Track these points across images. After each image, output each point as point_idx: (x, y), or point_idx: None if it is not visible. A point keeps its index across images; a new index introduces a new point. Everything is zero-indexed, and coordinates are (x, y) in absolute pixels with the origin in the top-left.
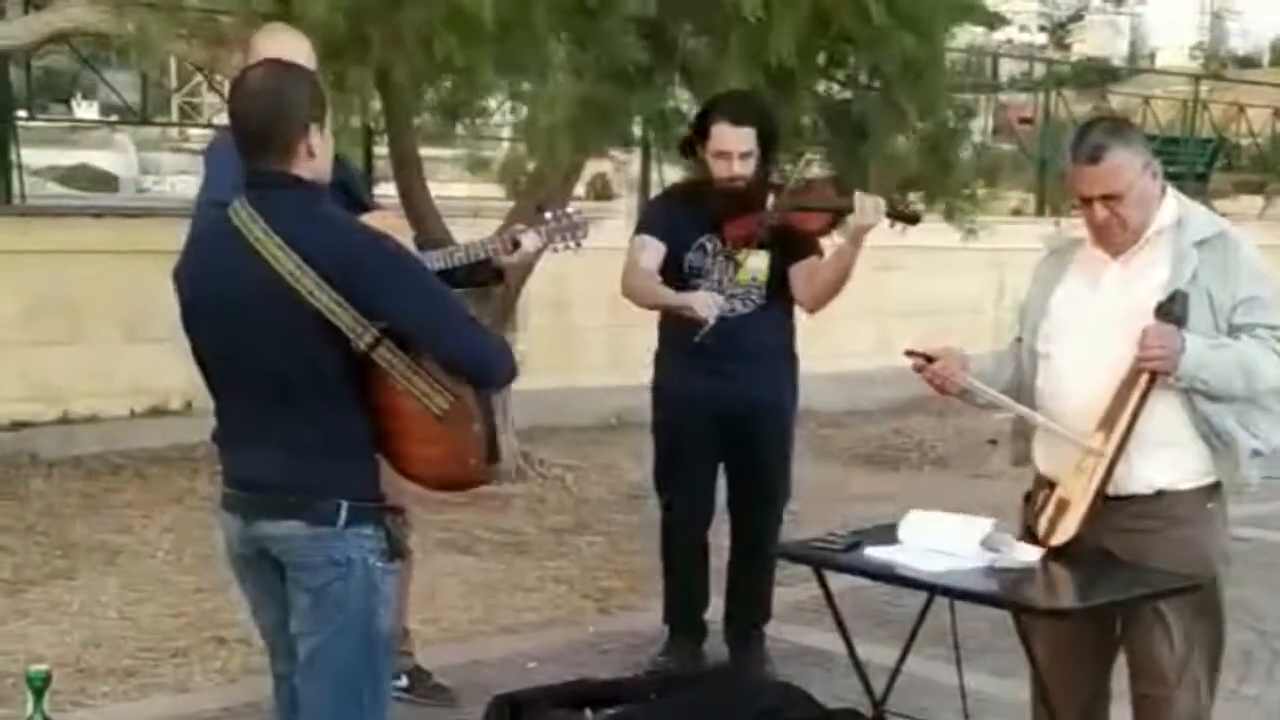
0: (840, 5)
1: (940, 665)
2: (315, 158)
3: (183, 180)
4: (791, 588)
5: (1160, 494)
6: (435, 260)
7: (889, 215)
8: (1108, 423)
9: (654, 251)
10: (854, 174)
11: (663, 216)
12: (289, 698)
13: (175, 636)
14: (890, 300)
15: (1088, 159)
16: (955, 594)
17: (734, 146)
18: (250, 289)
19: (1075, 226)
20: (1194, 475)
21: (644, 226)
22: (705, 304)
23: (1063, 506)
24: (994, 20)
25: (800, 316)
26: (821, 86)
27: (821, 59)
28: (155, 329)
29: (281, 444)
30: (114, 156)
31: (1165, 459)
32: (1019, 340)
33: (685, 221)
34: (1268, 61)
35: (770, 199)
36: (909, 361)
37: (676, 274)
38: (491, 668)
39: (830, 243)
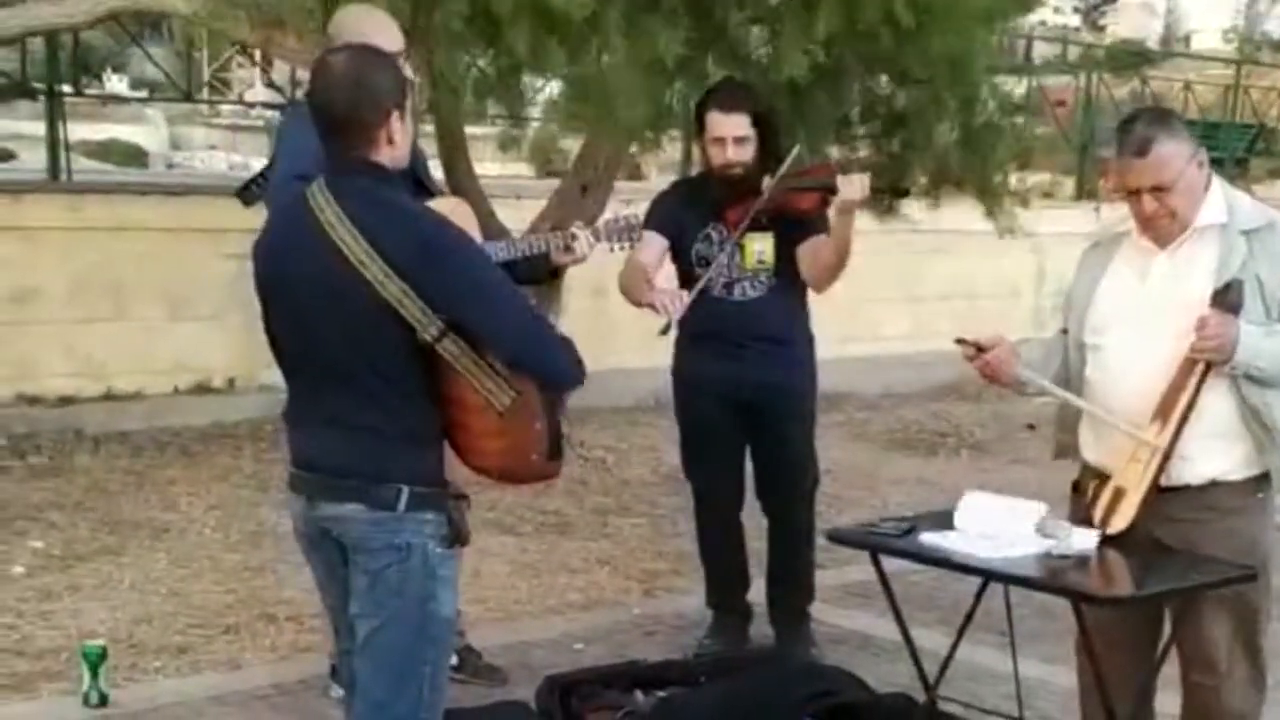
0: (867, 3)
1: (989, 651)
2: (395, 145)
3: (212, 156)
4: (838, 570)
5: (1212, 484)
6: (497, 252)
7: (875, 190)
8: (1163, 413)
9: (655, 248)
10: (897, 167)
11: (666, 211)
12: (352, 675)
13: (225, 613)
14: (927, 284)
15: (1135, 152)
16: (1013, 580)
17: (727, 132)
18: (320, 273)
19: (1122, 219)
20: (1244, 465)
21: (646, 222)
22: (664, 302)
23: (1119, 495)
24: (1030, 4)
25: (837, 301)
26: (868, 80)
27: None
28: (199, 307)
29: (345, 427)
30: (145, 131)
31: (1216, 449)
32: (1064, 332)
33: (690, 213)
34: None
35: (765, 181)
36: (946, 345)
37: (686, 265)
38: (540, 648)
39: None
